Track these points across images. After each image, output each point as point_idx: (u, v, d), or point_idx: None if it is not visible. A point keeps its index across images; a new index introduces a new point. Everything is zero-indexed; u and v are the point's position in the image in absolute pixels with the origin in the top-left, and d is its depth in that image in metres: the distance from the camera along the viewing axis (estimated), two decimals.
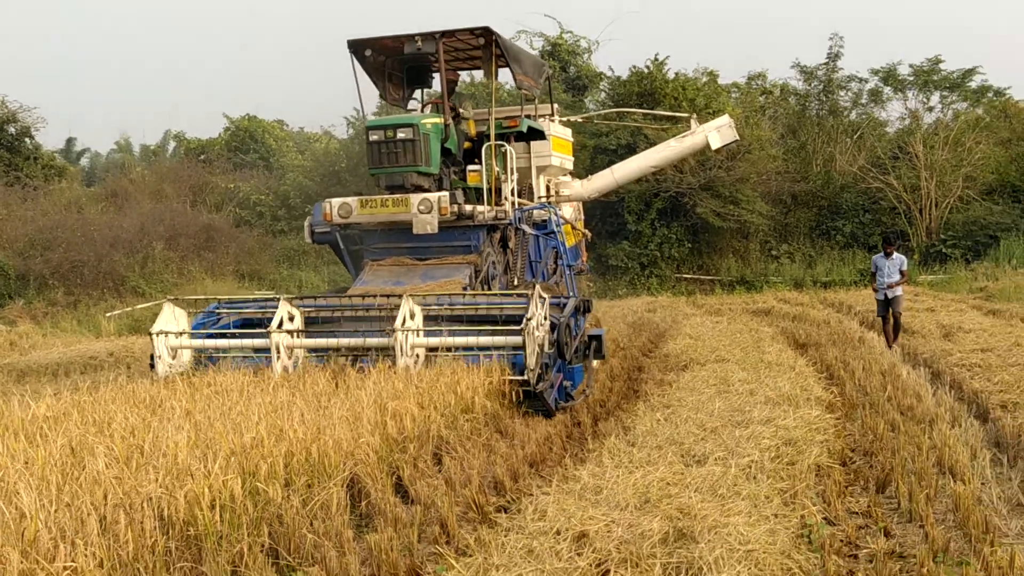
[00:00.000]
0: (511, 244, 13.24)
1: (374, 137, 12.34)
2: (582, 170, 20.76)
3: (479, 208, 12.45)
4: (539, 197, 14.85)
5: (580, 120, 21.27)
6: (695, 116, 18.41)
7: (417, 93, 14.59)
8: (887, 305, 14.44)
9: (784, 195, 30.97)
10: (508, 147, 13.15)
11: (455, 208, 12.04)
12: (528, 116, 14.14)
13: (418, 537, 6.15)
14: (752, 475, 6.83)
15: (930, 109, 33.56)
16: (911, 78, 33.04)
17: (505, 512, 6.58)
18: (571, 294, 12.85)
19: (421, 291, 11.37)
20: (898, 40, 73.19)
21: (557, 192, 16.03)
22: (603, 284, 28.72)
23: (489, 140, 13.02)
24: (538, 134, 14.37)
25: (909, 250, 28.52)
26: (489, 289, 12.39)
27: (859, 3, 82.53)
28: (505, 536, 5.69)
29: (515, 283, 13.06)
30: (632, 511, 5.90)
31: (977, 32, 74.86)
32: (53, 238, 28.12)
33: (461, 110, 13.45)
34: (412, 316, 10.09)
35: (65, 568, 4.57)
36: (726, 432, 8.10)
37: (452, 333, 10.24)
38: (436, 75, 14.00)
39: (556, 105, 16.29)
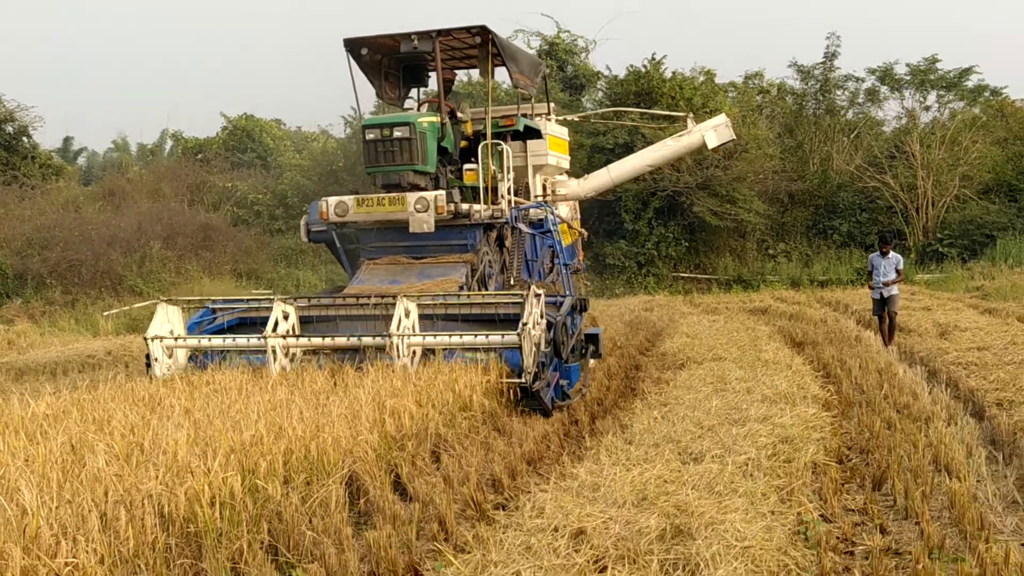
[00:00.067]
0: (507, 243, 13.26)
1: (370, 136, 12.35)
2: (579, 169, 20.79)
3: (475, 207, 12.46)
4: (535, 196, 14.86)
5: (577, 119, 21.30)
6: (691, 115, 18.45)
7: (413, 92, 14.61)
8: (883, 304, 14.47)
9: (781, 194, 30.99)
10: (505, 146, 13.16)
11: (451, 207, 12.05)
12: (524, 115, 14.15)
13: (417, 534, 6.18)
14: (749, 473, 6.87)
15: (927, 108, 33.62)
16: (908, 77, 33.08)
17: (503, 509, 6.61)
18: (567, 293, 12.87)
19: (417, 290, 11.39)
20: (898, 40, 73.29)
21: (553, 191, 16.05)
22: (600, 283, 28.75)
23: (485, 139, 13.03)
24: (534, 133, 14.38)
25: (906, 249, 28.56)
26: (486, 288, 12.41)
27: (859, 3, 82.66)
28: (503, 533, 5.72)
29: (511, 282, 13.07)
30: (629, 508, 5.93)
31: (977, 32, 75.01)
32: (51, 237, 28.13)
33: (460, 114, 13.46)
34: (408, 315, 10.09)
35: (67, 564, 4.60)
36: (723, 430, 8.14)
37: (448, 332, 10.25)
38: (432, 74, 14.00)
39: (552, 104, 16.31)
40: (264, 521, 5.80)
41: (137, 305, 23.82)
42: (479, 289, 12.21)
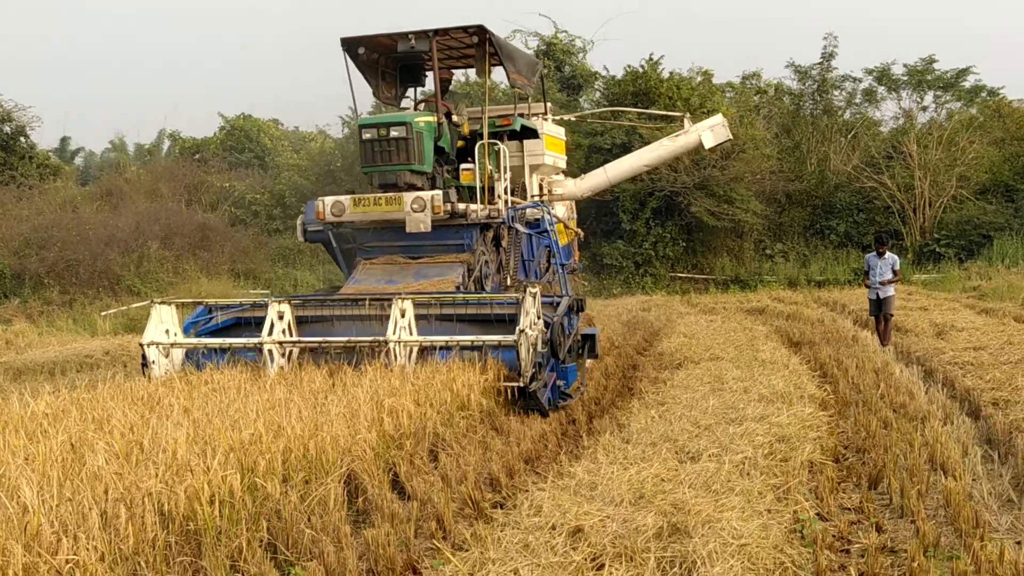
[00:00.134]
0: (504, 243, 13.25)
1: (367, 135, 12.35)
2: (577, 169, 20.79)
3: (472, 207, 12.47)
4: (532, 196, 14.86)
5: (574, 119, 21.30)
6: (688, 115, 18.48)
7: (410, 92, 14.62)
8: (879, 305, 14.49)
9: (778, 194, 31.05)
10: (501, 146, 13.16)
11: (448, 207, 12.04)
12: (521, 115, 14.15)
13: (415, 532, 6.20)
14: (745, 471, 6.90)
15: (924, 109, 33.75)
16: (905, 78, 33.16)
17: (501, 508, 6.64)
18: (564, 293, 12.88)
19: (413, 290, 11.39)
20: (897, 40, 73.44)
21: (550, 191, 16.04)
22: (598, 283, 28.78)
23: (482, 139, 13.04)
24: (531, 133, 14.37)
25: (903, 249, 28.65)
26: (482, 288, 12.42)
27: (859, 3, 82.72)
28: (501, 531, 5.75)
29: (508, 282, 13.08)
30: (627, 506, 5.96)
31: (976, 32, 75.13)
32: (48, 237, 28.14)
33: (455, 116, 13.46)
34: (403, 314, 10.08)
35: (67, 561, 4.63)
36: (720, 429, 8.17)
37: (445, 333, 10.26)
38: (430, 73, 14.00)
39: (549, 104, 16.32)
40: (263, 519, 5.81)
41: (135, 305, 23.84)
42: (475, 289, 12.22)
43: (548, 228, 14.02)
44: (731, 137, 18.64)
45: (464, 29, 12.73)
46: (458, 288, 11.80)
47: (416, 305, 10.36)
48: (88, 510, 5.05)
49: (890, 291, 14.43)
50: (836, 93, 34.04)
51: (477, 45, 13.12)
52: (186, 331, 11.07)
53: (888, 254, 14.58)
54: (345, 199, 12.41)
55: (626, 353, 14.69)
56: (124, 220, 30.15)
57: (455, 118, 13.45)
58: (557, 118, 17.10)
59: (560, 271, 14.29)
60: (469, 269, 12.33)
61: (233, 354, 10.45)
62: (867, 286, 14.81)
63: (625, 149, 26.36)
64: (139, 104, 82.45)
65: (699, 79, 32.08)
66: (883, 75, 33.34)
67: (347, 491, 6.68)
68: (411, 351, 9.98)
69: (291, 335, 10.56)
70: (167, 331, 10.71)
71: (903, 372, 11.56)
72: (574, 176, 17.91)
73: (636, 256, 29.45)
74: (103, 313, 23.65)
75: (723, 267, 29.89)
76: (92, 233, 28.56)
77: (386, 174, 12.35)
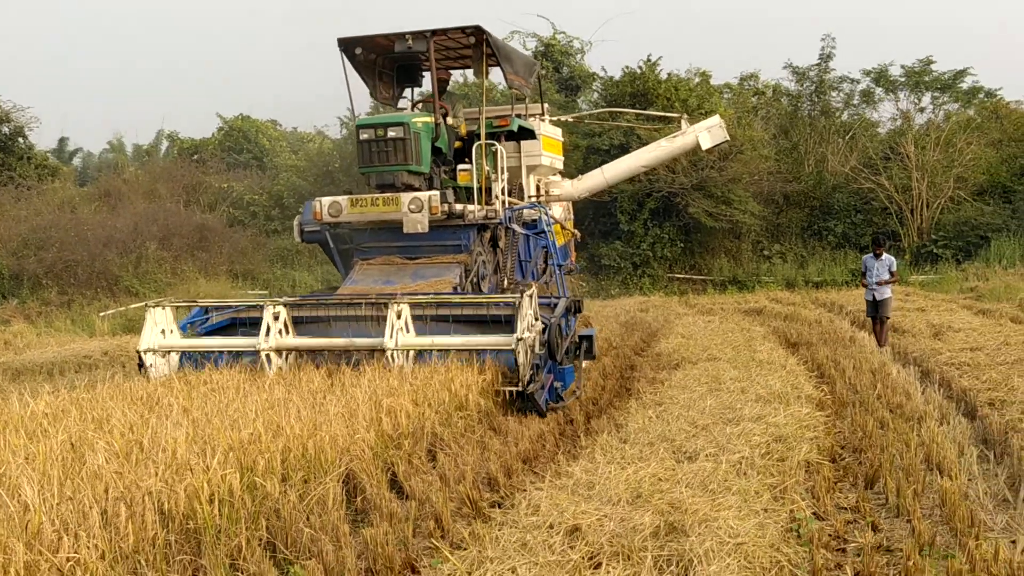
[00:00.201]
0: (501, 243, 13.27)
1: (364, 136, 12.36)
2: (575, 170, 20.83)
3: (469, 207, 12.48)
4: (529, 196, 14.88)
5: (572, 120, 21.34)
6: (686, 116, 18.51)
7: (408, 92, 14.64)
8: (876, 307, 14.50)
9: (776, 195, 31.06)
10: (499, 146, 13.18)
11: (445, 207, 12.06)
12: (519, 115, 14.18)
13: (413, 531, 6.22)
14: (742, 471, 6.92)
15: (921, 110, 33.78)
16: (902, 79, 33.19)
17: (499, 507, 6.67)
18: (561, 294, 12.91)
19: (411, 291, 11.41)
20: (897, 40, 73.45)
21: (547, 191, 16.07)
22: (596, 284, 28.80)
23: (479, 139, 13.07)
24: (528, 133, 14.39)
25: (900, 250, 28.67)
26: (479, 288, 12.44)
27: (859, 3, 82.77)
28: (499, 530, 5.78)
29: (505, 283, 13.10)
30: (624, 506, 5.99)
31: (974, 32, 75.18)
32: (47, 238, 28.12)
33: (451, 119, 13.48)
34: (400, 316, 10.08)
35: (68, 559, 4.66)
36: (717, 429, 8.20)
37: (442, 334, 10.27)
38: (427, 74, 14.02)
39: (547, 105, 16.34)
40: (262, 518, 5.85)
41: (133, 306, 23.78)
42: (473, 290, 12.23)
43: (545, 229, 14.03)
44: (728, 138, 18.68)
45: (461, 30, 12.74)
46: (455, 289, 11.82)
47: (413, 306, 10.37)
48: (88, 509, 5.08)
49: (887, 293, 14.43)
50: (834, 94, 34.07)
51: (474, 46, 13.14)
52: (183, 330, 11.09)
53: (885, 255, 14.59)
54: (342, 199, 12.42)
55: (624, 353, 14.71)
56: (122, 221, 30.13)
57: (450, 119, 13.47)
58: (555, 119, 17.13)
59: (557, 272, 14.31)
60: (466, 270, 12.35)
61: (232, 356, 10.48)
62: (863, 285, 14.83)
63: (623, 150, 26.36)
64: (135, 105, 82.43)
65: (697, 80, 32.08)
66: (881, 76, 33.37)
67: (346, 490, 6.71)
68: (408, 353, 10.00)
69: (288, 334, 10.54)
70: (163, 331, 10.71)
71: (900, 372, 11.60)
72: (571, 177, 17.94)
73: (634, 257, 29.46)
74: (101, 314, 23.63)
75: (721, 268, 29.91)
76: (90, 234, 28.54)
77: (383, 174, 12.36)
